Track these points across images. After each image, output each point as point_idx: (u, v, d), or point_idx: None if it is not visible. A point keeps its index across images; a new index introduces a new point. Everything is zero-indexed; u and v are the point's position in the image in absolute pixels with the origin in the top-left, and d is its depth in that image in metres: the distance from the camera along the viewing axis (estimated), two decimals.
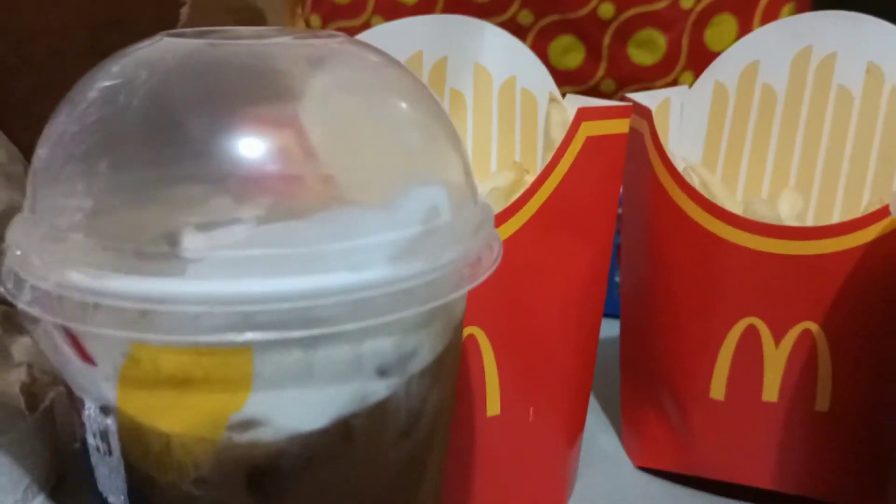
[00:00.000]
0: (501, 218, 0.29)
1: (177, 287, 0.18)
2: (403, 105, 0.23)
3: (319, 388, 0.19)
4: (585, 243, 0.31)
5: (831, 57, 0.35)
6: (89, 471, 0.22)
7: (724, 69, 0.37)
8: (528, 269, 0.30)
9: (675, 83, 0.57)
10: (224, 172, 0.19)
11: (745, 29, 0.55)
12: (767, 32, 0.36)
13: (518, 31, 0.55)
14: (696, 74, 0.39)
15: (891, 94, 0.34)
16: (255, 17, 0.38)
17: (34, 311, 0.19)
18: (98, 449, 0.21)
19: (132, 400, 0.20)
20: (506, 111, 0.36)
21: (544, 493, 0.34)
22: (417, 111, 0.23)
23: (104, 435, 0.21)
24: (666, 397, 0.35)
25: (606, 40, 0.56)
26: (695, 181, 0.34)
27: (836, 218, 0.36)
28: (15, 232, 0.20)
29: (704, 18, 0.56)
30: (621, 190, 0.32)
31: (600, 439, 0.39)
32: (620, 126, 0.30)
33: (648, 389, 0.36)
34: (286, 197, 0.20)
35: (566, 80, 0.57)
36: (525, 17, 0.56)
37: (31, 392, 0.31)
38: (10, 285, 0.19)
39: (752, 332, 0.31)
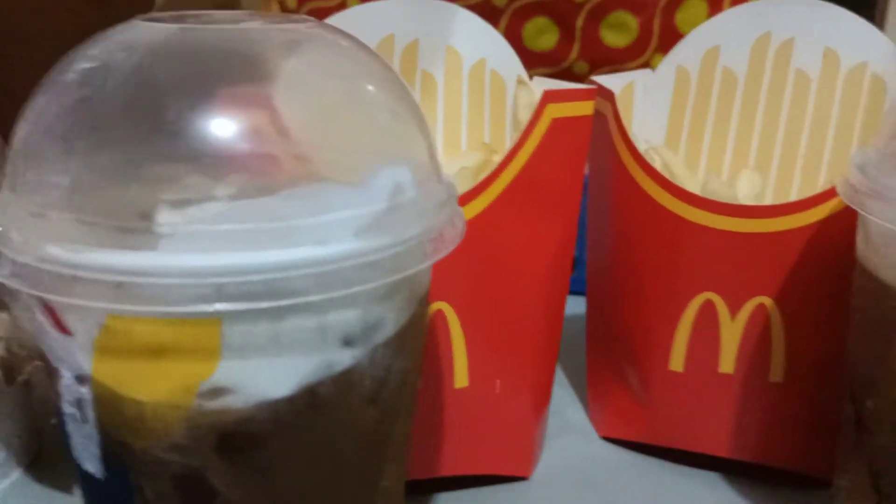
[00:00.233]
0: (469, 196, 0.30)
1: (150, 260, 0.18)
2: (371, 88, 0.24)
3: (286, 357, 0.20)
4: (551, 221, 0.32)
5: (789, 42, 0.36)
6: (66, 440, 0.23)
7: (687, 53, 0.38)
8: (495, 246, 0.31)
9: (647, 65, 0.57)
10: (199, 151, 0.20)
11: (714, 12, 0.55)
12: (728, 18, 0.37)
13: (493, 12, 0.55)
14: None
15: (846, 77, 0.35)
16: (230, 1, 0.39)
17: (14, 283, 0.19)
18: (74, 417, 0.22)
19: (107, 369, 0.20)
20: (475, 93, 0.36)
21: (511, 463, 0.35)
22: (385, 94, 0.24)
23: (80, 403, 0.21)
24: (629, 370, 0.36)
25: (580, 22, 0.57)
26: (656, 162, 0.35)
27: (793, 196, 0.37)
28: None
29: (676, 1, 0.56)
30: (587, 170, 0.33)
31: (567, 412, 0.40)
32: (585, 108, 0.31)
33: (613, 363, 0.37)
34: (259, 175, 0.20)
35: (540, 62, 0.57)
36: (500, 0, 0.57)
37: (9, 366, 0.32)
38: None
39: (709, 306, 0.32)
